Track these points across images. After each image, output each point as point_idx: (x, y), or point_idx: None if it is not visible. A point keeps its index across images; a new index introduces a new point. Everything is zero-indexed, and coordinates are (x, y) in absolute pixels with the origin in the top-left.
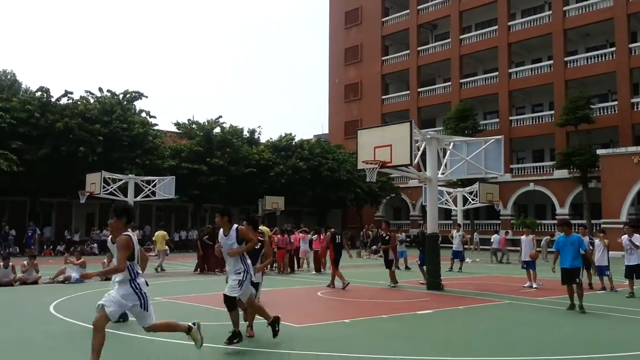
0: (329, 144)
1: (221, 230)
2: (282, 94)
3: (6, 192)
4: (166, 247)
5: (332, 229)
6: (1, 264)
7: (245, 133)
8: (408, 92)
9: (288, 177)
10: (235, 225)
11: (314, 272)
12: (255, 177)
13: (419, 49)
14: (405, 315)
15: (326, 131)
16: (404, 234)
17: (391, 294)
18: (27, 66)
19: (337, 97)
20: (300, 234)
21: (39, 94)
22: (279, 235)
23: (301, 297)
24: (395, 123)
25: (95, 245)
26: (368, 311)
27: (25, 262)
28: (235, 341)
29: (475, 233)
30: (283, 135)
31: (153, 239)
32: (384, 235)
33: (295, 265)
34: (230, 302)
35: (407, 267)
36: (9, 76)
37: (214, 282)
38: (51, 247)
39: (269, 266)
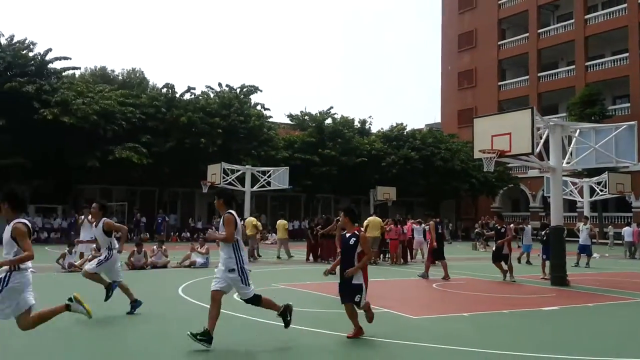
0: (441, 133)
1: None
2: (393, 84)
3: (137, 183)
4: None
5: (436, 219)
6: (135, 249)
7: (356, 123)
8: (527, 77)
9: (400, 167)
10: (227, 212)
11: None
12: (367, 168)
13: (539, 31)
14: (529, 311)
15: (438, 120)
16: (529, 225)
17: (511, 288)
18: (154, 64)
19: (450, 85)
20: (414, 224)
21: (165, 90)
22: (391, 226)
23: (416, 288)
24: (515, 110)
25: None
26: (487, 305)
27: (155, 247)
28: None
29: (610, 227)
30: (394, 125)
31: (276, 226)
32: (499, 227)
33: (408, 256)
34: (256, 300)
35: (528, 262)
36: (137, 74)
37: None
38: (177, 233)
39: (381, 256)
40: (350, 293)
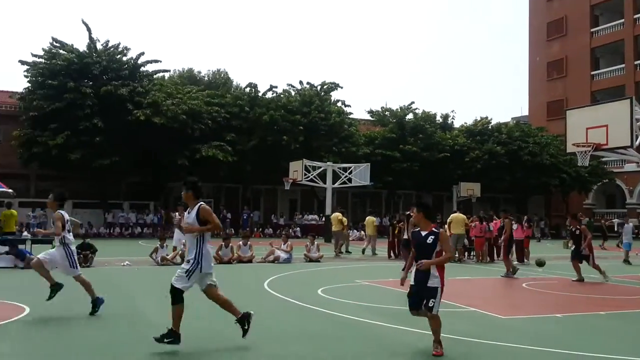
0: (529, 126)
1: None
2: (477, 77)
3: (222, 180)
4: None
5: (510, 216)
6: (222, 243)
7: (438, 118)
8: (623, 65)
9: (484, 162)
10: (200, 203)
11: (516, 262)
12: (449, 163)
13: (635, 16)
14: (627, 313)
15: (525, 113)
16: (630, 223)
17: (607, 289)
18: (237, 65)
19: (538, 76)
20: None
21: (248, 89)
22: (476, 222)
23: (503, 287)
24: (612, 100)
25: (298, 228)
26: (582, 306)
27: (240, 243)
28: (165, 340)
29: None
30: (478, 119)
31: (364, 223)
32: (573, 229)
33: (495, 254)
34: (175, 294)
35: (626, 261)
36: (222, 75)
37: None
38: (260, 229)
39: (466, 254)
40: (421, 297)
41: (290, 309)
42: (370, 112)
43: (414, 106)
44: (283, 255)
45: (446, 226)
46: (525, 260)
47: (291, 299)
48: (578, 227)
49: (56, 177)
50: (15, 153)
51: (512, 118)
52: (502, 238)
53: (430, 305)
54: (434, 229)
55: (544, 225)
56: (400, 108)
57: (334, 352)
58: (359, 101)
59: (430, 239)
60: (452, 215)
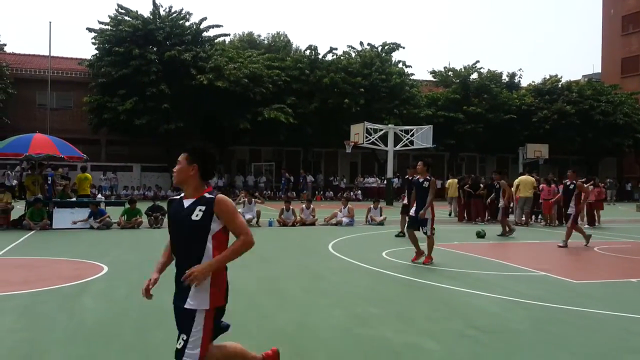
0: (602, 84)
1: None
2: (546, 33)
3: (283, 143)
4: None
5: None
6: (284, 207)
7: (505, 77)
8: None
9: (553, 122)
10: None
11: (587, 225)
12: (516, 124)
13: None
14: None
15: (598, 70)
16: None
17: None
18: (297, 27)
19: (612, 31)
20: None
21: (308, 52)
22: (543, 185)
23: (576, 252)
24: None
25: (359, 192)
26: None
27: (303, 206)
28: None
29: None
30: (547, 77)
31: (446, 186)
32: None
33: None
34: None
35: None
36: (282, 38)
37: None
38: (321, 192)
39: (533, 217)
40: (417, 223)
41: (357, 270)
42: (433, 72)
43: (478, 65)
44: (345, 219)
45: (513, 189)
46: (597, 224)
47: (357, 262)
48: None
49: (124, 142)
50: (85, 119)
51: (583, 76)
52: (503, 199)
53: (424, 231)
54: (427, 177)
55: (618, 187)
56: (464, 68)
57: (406, 314)
58: (421, 62)
59: (425, 184)
60: (520, 177)
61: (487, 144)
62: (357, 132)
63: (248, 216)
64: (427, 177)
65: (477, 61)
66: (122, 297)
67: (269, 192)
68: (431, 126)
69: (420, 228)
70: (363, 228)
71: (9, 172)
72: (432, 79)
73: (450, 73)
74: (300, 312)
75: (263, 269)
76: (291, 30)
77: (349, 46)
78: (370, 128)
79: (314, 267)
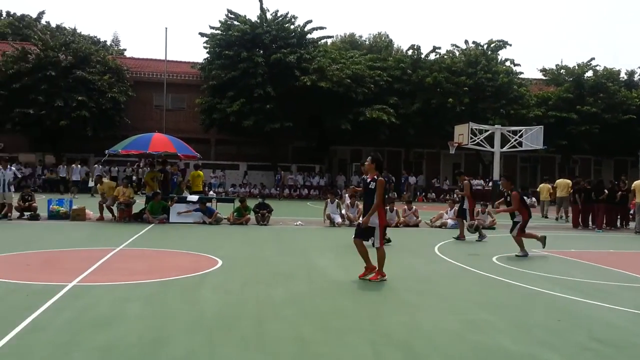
0: None
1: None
2: None
3: (384, 143)
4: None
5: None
6: (387, 207)
7: (623, 75)
8: None
9: None
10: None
11: None
12: (636, 125)
13: None
14: None
15: None
16: None
17: None
18: (399, 27)
19: None
20: None
21: (410, 52)
22: None
23: None
24: None
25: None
26: None
27: (405, 207)
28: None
29: None
30: None
31: (537, 190)
32: None
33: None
34: None
35: None
36: (383, 38)
37: (593, 239)
38: (423, 194)
39: None
40: (363, 233)
41: (466, 275)
42: (543, 70)
43: (593, 63)
44: (451, 221)
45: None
46: None
47: (466, 266)
48: None
49: (232, 141)
50: (197, 119)
51: None
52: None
53: (372, 242)
54: (375, 176)
55: None
56: (578, 65)
57: (523, 323)
58: (530, 59)
59: (372, 184)
60: (636, 182)
61: (603, 146)
62: (462, 133)
63: (337, 219)
64: (375, 177)
65: (592, 58)
66: (238, 290)
67: None
68: (541, 127)
69: (370, 238)
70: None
71: (95, 166)
72: (543, 77)
73: (562, 71)
74: (411, 314)
75: None
76: (393, 31)
77: (453, 45)
78: (475, 128)
79: (421, 269)
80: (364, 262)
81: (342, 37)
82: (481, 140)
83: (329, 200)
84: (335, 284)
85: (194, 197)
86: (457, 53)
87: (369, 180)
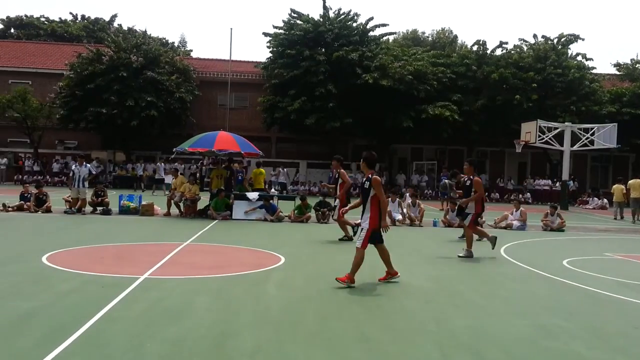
0: None
1: None
2: None
3: (446, 142)
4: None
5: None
6: (448, 207)
7: None
8: None
9: None
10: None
11: None
12: None
13: None
14: None
15: None
16: None
17: None
18: (463, 22)
19: None
20: None
21: (475, 47)
22: None
23: None
24: None
25: (528, 194)
26: None
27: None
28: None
29: None
30: None
31: (611, 191)
32: None
33: None
34: None
35: None
36: (447, 34)
37: None
38: (486, 193)
39: None
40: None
41: (535, 278)
42: (617, 65)
43: None
44: (516, 222)
45: None
46: None
47: (534, 269)
48: None
49: (293, 140)
50: (259, 117)
51: None
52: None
53: (357, 239)
54: (369, 175)
55: None
56: None
57: (598, 329)
58: (604, 54)
59: (366, 184)
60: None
61: None
62: (529, 131)
63: (398, 216)
64: (369, 176)
65: None
66: (302, 287)
67: (431, 191)
68: (615, 124)
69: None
70: (536, 233)
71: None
72: (617, 72)
73: (638, 66)
74: (478, 317)
75: (433, 269)
76: (457, 26)
77: (520, 39)
78: (544, 126)
79: (487, 271)
80: (428, 263)
81: (404, 33)
82: (550, 138)
83: (389, 199)
84: (398, 284)
85: (255, 195)
86: (525, 48)
87: (364, 179)
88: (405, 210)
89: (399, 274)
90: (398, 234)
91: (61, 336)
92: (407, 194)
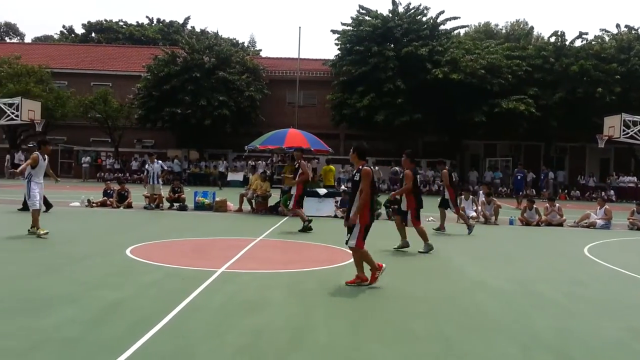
0: None
1: None
2: None
3: (521, 137)
4: None
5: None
6: (526, 205)
7: None
8: None
9: None
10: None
11: None
12: None
13: None
14: None
15: None
16: None
17: None
18: (540, 13)
19: None
20: None
21: (553, 39)
22: None
23: None
24: None
25: (612, 191)
26: None
27: (546, 205)
28: None
29: None
30: None
31: None
32: None
33: None
34: None
35: None
36: (522, 25)
37: None
38: (566, 191)
39: None
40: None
41: (623, 279)
42: None
43: None
44: (600, 221)
45: None
46: None
47: (622, 269)
48: None
49: (361, 137)
50: (328, 115)
51: None
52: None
53: (347, 240)
54: (360, 166)
55: None
56: None
57: None
58: None
59: (357, 176)
60: None
61: None
62: (612, 125)
63: (472, 214)
64: (359, 167)
65: None
66: (376, 283)
67: (506, 189)
68: None
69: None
70: (622, 232)
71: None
72: None
73: None
74: (562, 318)
75: (512, 269)
76: (533, 17)
77: (601, 30)
78: (629, 120)
79: (570, 271)
80: (506, 262)
81: (476, 27)
82: (635, 133)
83: (462, 197)
84: (475, 283)
85: (323, 191)
86: (607, 38)
87: (354, 171)
88: (479, 207)
89: (369, 280)
90: (472, 232)
91: (147, 325)
92: (481, 192)
